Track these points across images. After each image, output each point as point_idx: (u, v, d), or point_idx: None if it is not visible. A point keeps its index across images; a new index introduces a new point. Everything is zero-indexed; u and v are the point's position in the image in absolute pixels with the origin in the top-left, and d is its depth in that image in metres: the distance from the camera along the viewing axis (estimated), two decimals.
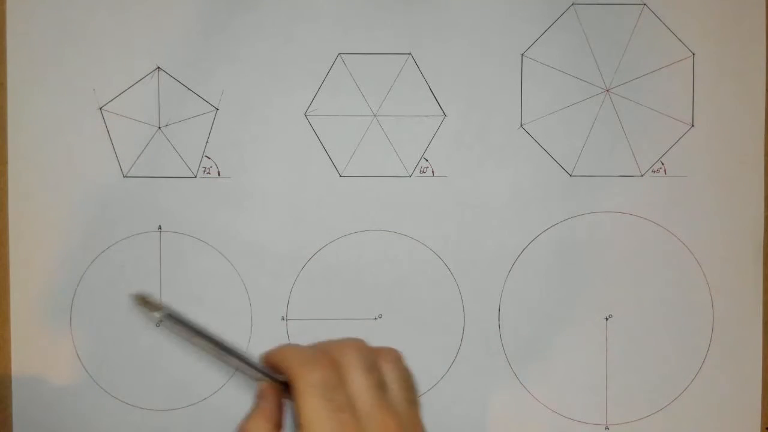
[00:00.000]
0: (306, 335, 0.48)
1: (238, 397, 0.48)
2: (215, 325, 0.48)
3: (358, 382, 0.32)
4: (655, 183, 0.49)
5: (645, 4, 0.49)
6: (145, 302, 0.34)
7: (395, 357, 0.35)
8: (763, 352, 0.49)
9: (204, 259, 0.48)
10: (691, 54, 0.49)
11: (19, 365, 0.48)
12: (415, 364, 0.49)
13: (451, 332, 0.49)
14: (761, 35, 0.49)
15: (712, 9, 0.49)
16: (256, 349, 0.48)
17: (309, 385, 0.31)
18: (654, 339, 0.49)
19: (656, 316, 0.49)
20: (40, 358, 0.48)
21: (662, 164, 0.49)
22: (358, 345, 0.34)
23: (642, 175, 0.49)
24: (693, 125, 0.49)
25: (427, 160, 0.49)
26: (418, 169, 0.49)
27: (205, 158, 0.48)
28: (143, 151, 0.48)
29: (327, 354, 0.33)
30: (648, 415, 0.49)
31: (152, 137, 0.48)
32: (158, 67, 0.48)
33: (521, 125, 0.49)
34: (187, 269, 0.48)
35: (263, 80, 0.48)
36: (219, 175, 0.48)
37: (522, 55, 0.49)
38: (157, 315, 0.33)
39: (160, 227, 0.48)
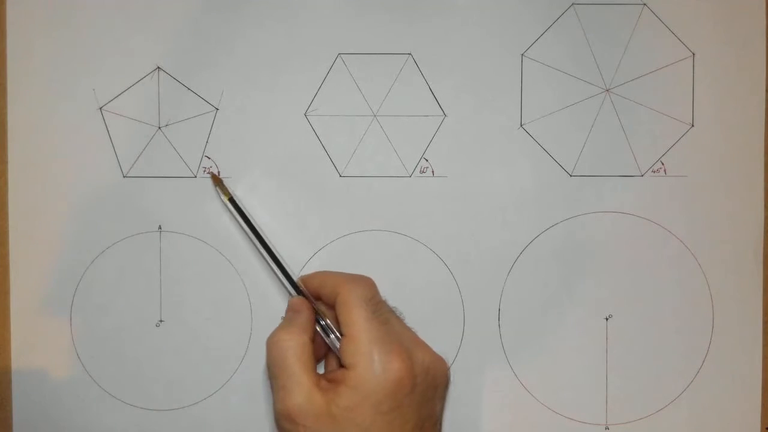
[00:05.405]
0: None
1: (238, 397, 0.48)
2: (215, 325, 0.49)
3: (388, 305, 0.38)
4: (655, 183, 0.49)
5: (645, 4, 0.49)
6: (218, 182, 0.44)
7: None
8: (763, 352, 0.49)
9: (204, 259, 0.48)
10: (691, 54, 0.49)
11: (19, 364, 0.48)
12: None
13: (451, 332, 0.49)
14: (761, 35, 0.49)
15: (712, 9, 0.49)
16: (255, 349, 0.49)
17: (358, 298, 0.36)
18: (654, 339, 0.49)
19: (656, 316, 0.49)
20: (40, 357, 0.48)
21: (662, 164, 0.49)
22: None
23: (642, 175, 0.49)
24: (693, 125, 0.49)
25: (427, 160, 0.49)
26: (418, 169, 0.49)
27: (205, 158, 0.48)
28: (143, 151, 0.48)
29: (364, 277, 0.38)
30: (648, 415, 0.49)
31: (152, 137, 0.48)
32: (158, 67, 0.48)
33: (521, 125, 0.49)
34: (187, 269, 0.48)
35: (263, 80, 0.48)
36: (219, 175, 0.48)
37: (522, 55, 0.49)
38: (223, 198, 0.44)
39: (160, 227, 0.48)
